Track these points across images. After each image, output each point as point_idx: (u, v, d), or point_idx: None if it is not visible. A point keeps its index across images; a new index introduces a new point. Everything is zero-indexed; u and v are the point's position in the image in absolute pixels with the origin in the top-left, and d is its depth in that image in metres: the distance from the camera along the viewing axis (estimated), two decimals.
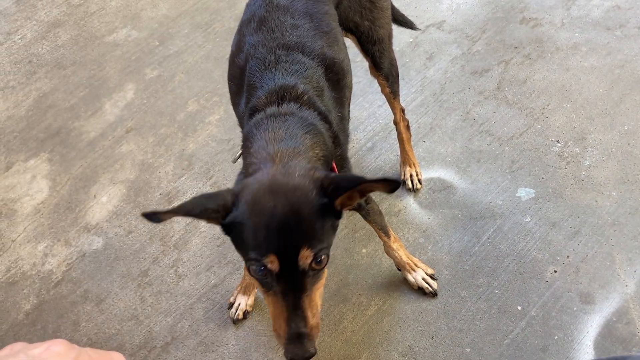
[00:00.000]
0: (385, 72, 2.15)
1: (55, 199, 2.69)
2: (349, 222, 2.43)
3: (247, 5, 1.84)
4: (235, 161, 1.73)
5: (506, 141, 2.59)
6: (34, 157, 2.87)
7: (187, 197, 2.62)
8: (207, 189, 2.63)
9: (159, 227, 2.53)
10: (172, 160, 2.76)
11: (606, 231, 2.29)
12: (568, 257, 2.25)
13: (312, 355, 1.23)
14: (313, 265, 1.23)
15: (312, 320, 1.25)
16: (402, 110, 2.39)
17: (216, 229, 2.49)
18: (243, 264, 2.20)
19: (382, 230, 2.11)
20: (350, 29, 1.99)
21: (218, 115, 2.90)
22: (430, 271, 2.22)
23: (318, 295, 1.29)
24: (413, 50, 2.99)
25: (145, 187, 2.68)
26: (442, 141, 2.63)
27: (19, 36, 3.48)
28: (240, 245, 1.27)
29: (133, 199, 2.65)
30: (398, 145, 2.53)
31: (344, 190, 1.21)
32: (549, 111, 2.66)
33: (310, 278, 1.25)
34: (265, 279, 1.24)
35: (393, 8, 2.37)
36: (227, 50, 3.15)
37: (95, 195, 2.68)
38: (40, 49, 3.38)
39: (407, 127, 2.43)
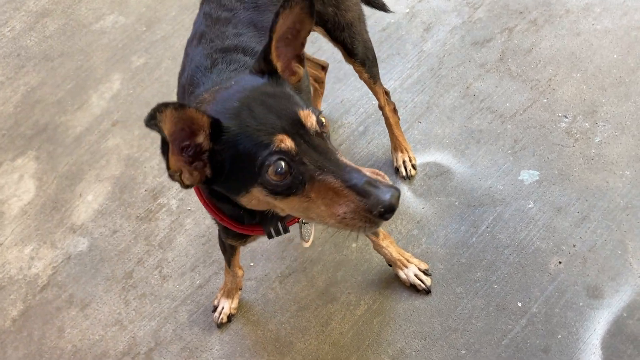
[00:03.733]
0: (361, 57, 1.97)
1: (41, 199, 2.62)
2: None
3: (193, 24, 1.70)
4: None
5: (509, 118, 2.38)
6: (22, 155, 2.80)
7: (173, 192, 2.51)
8: None
9: (143, 226, 2.44)
10: (157, 153, 2.64)
11: (618, 216, 2.08)
12: (574, 246, 2.05)
13: (399, 191, 1.10)
14: (319, 128, 1.16)
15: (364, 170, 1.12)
16: (387, 93, 2.20)
17: (201, 227, 2.38)
18: (224, 265, 2.09)
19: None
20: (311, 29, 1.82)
21: None
22: (423, 266, 2.07)
23: None
24: (409, 22, 2.78)
25: (130, 183, 2.58)
26: (440, 121, 2.44)
27: (8, 28, 3.39)
28: (242, 164, 1.13)
29: (118, 197, 2.55)
30: None
31: (266, 49, 1.21)
32: (556, 83, 2.42)
33: (328, 141, 1.17)
34: (288, 179, 1.10)
35: None
36: None
37: (81, 194, 2.60)
38: (28, 41, 3.28)
39: (394, 111, 2.25)
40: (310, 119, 1.14)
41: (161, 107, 0.98)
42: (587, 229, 2.07)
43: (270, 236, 1.46)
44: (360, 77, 2.07)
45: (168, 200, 2.50)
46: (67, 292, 2.35)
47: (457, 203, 2.23)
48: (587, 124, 2.29)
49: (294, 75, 1.30)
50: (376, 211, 1.05)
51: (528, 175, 2.23)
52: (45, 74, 3.10)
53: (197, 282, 2.27)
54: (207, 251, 2.33)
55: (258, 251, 2.27)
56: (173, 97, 2.80)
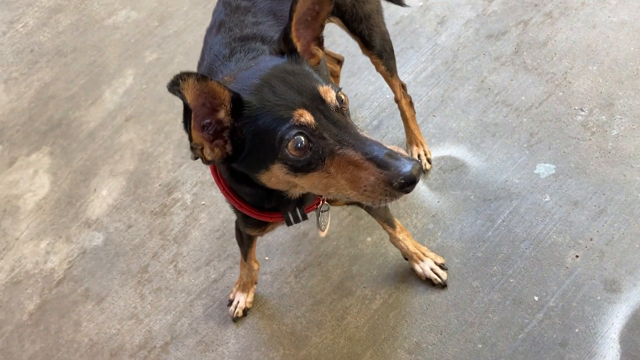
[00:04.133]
0: (378, 49, 1.95)
1: (56, 194, 2.64)
2: (353, 209, 2.28)
3: (212, 14, 1.70)
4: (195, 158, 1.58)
5: (524, 112, 2.36)
6: (36, 151, 2.81)
7: (187, 187, 2.52)
8: (207, 177, 2.52)
9: (158, 220, 2.44)
10: (171, 148, 2.65)
11: (636, 209, 2.06)
12: (591, 239, 2.04)
13: (420, 164, 1.11)
14: (339, 104, 1.16)
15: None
16: (403, 86, 2.20)
17: (215, 221, 2.39)
18: (239, 259, 2.10)
19: (386, 222, 1.96)
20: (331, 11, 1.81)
21: None
22: (439, 260, 2.06)
23: None
24: (423, 15, 2.76)
25: (144, 178, 2.59)
26: (454, 115, 2.43)
27: (22, 24, 3.40)
28: (262, 140, 1.13)
29: (133, 191, 2.56)
30: None
31: (286, 28, 1.22)
32: (572, 76, 2.40)
33: (348, 117, 1.17)
34: (306, 148, 1.10)
35: None
36: None
37: (95, 189, 2.61)
38: (41, 37, 3.29)
39: (410, 104, 2.24)
40: (329, 94, 1.14)
41: (184, 75, 1.01)
42: (604, 223, 2.06)
43: (289, 223, 1.45)
44: (377, 69, 2.06)
45: (182, 195, 2.50)
46: (83, 286, 2.36)
47: (472, 197, 2.22)
48: (603, 117, 2.27)
49: (312, 58, 1.30)
50: (396, 182, 1.05)
51: (544, 169, 2.21)
52: (58, 70, 3.11)
53: (212, 276, 2.27)
54: (222, 245, 2.33)
55: (273, 245, 2.28)
56: None
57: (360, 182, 1.08)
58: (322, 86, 1.15)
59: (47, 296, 2.37)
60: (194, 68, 2.91)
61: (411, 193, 2.23)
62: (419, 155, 2.29)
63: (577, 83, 2.38)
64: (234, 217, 2.38)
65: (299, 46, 1.25)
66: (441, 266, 2.05)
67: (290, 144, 1.09)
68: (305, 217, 1.46)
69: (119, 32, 3.19)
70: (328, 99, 1.14)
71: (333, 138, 1.10)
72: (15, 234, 2.56)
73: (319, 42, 1.30)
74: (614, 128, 2.24)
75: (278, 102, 1.12)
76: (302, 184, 1.17)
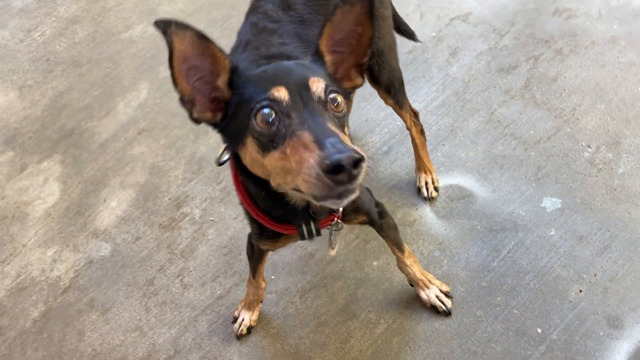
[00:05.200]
0: (385, 84, 2.00)
1: (65, 203, 2.66)
2: (360, 232, 2.31)
3: (237, 34, 1.75)
4: (219, 163, 1.62)
5: (532, 145, 2.40)
6: (47, 158, 2.84)
7: (196, 202, 2.54)
8: (217, 194, 2.55)
9: (166, 234, 2.47)
10: (182, 163, 2.68)
11: (639, 247, 2.10)
12: (595, 275, 2.07)
13: (359, 156, 0.99)
14: (330, 104, 1.15)
15: (351, 144, 1.04)
16: (415, 114, 2.24)
17: (223, 238, 2.41)
18: (247, 277, 2.12)
19: (396, 245, 1.99)
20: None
21: None
22: (445, 288, 2.09)
23: (348, 140, 1.10)
24: (435, 45, 2.82)
25: (154, 191, 2.61)
26: (463, 145, 2.47)
27: (39, 33, 3.45)
28: (242, 110, 1.17)
29: (142, 204, 2.58)
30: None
31: (319, 34, 1.23)
32: (581, 112, 2.46)
33: (331, 117, 1.13)
34: (271, 123, 1.11)
35: (395, 15, 2.21)
36: None
37: (105, 200, 2.63)
38: (57, 46, 3.34)
39: (421, 132, 2.28)
40: (317, 85, 1.15)
41: (182, 25, 1.10)
42: (608, 259, 2.09)
43: (302, 236, 1.46)
44: (386, 102, 2.11)
45: (191, 210, 2.53)
46: (88, 296, 2.37)
47: (479, 227, 2.25)
48: (610, 155, 2.32)
49: (350, 82, 1.30)
50: (323, 165, 0.98)
51: (550, 203, 2.25)
52: (73, 80, 3.15)
53: (218, 292, 2.29)
54: (229, 262, 2.36)
55: (279, 264, 2.30)
56: None
57: (303, 165, 1.04)
58: (314, 77, 1.16)
59: (51, 304, 2.38)
60: None
61: (419, 220, 2.27)
62: (426, 183, 2.32)
63: (585, 120, 2.43)
64: (241, 234, 2.41)
65: (328, 59, 1.26)
66: (446, 294, 2.08)
67: (259, 115, 1.13)
68: (319, 233, 1.47)
69: (134, 46, 3.24)
70: (313, 88, 1.14)
71: (299, 119, 1.10)
72: (23, 240, 2.58)
73: (361, 69, 1.29)
74: (620, 166, 2.28)
75: (265, 78, 1.17)
76: (268, 166, 1.16)
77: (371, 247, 2.27)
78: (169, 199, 2.58)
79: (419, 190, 2.34)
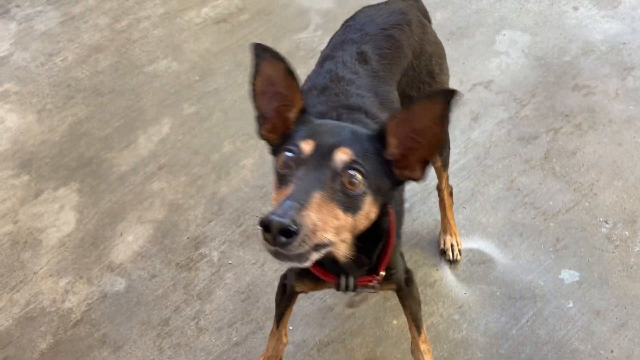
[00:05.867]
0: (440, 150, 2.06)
1: (81, 233, 2.63)
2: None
3: (307, 78, 1.80)
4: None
5: (551, 216, 2.47)
6: (64, 186, 2.82)
7: (215, 244, 2.54)
8: (236, 237, 2.55)
9: (183, 274, 2.45)
10: (202, 202, 2.69)
11: None
12: (612, 351, 2.11)
13: (289, 227, 1.02)
14: (344, 178, 1.16)
15: (311, 217, 1.06)
16: (447, 176, 2.30)
17: (241, 283, 2.41)
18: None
19: (415, 322, 1.98)
20: (403, 105, 1.90)
21: (253, 160, 2.83)
22: None
23: (338, 215, 1.13)
24: (458, 109, 2.89)
25: (172, 229, 2.61)
26: (484, 209, 2.53)
27: (61, 58, 3.46)
28: (284, 145, 1.26)
29: (160, 241, 2.57)
30: (437, 208, 2.43)
31: (386, 127, 1.24)
32: (599, 188, 2.54)
33: (338, 190, 1.15)
34: (287, 166, 1.19)
35: None
36: None
37: (121, 233, 2.62)
38: (79, 74, 3.35)
39: (451, 194, 2.34)
40: (340, 155, 1.17)
41: (278, 56, 1.26)
42: (625, 337, 2.14)
43: (338, 287, 1.51)
44: (434, 165, 2.15)
45: (210, 251, 2.52)
46: (100, 331, 2.33)
47: (498, 293, 2.29)
48: (627, 233, 2.39)
49: (409, 171, 1.27)
50: (259, 219, 1.05)
51: (569, 275, 2.30)
52: (94, 108, 3.16)
53: (234, 339, 2.27)
54: (246, 309, 2.35)
55: (298, 315, 2.30)
56: (224, 148, 2.88)
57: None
58: (345, 148, 1.18)
59: (61, 336, 2.33)
60: (231, 126, 2.98)
61: (439, 281, 2.30)
62: (451, 245, 2.36)
63: (602, 196, 2.51)
64: (260, 281, 2.41)
65: (393, 142, 1.25)
66: None
67: (283, 154, 1.21)
68: (355, 289, 1.52)
69: (158, 81, 3.26)
70: (335, 156, 1.17)
71: (300, 174, 1.15)
72: (35, 268, 2.54)
73: (425, 164, 1.26)
74: (636, 244, 2.36)
75: (313, 128, 1.25)
76: None
77: (391, 305, 2.29)
78: (187, 238, 2.58)
79: (443, 252, 2.38)
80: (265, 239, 1.04)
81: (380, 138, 1.24)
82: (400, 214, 1.67)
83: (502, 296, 2.28)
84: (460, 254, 2.37)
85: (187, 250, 2.54)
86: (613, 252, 2.35)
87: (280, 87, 1.28)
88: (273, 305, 2.30)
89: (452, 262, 2.36)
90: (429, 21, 2.17)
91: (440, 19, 3.38)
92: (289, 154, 1.20)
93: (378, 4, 2.03)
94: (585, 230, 2.42)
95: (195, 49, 3.41)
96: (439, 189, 2.31)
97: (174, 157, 2.88)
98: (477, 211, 2.53)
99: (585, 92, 2.89)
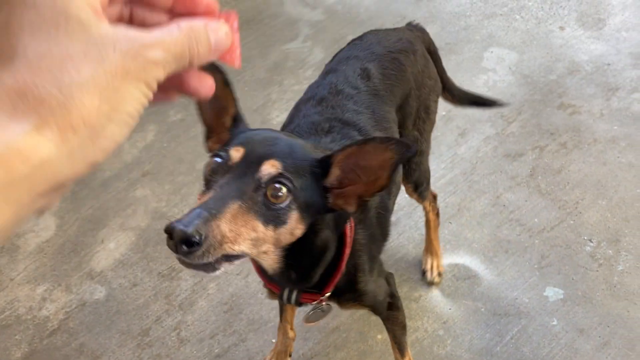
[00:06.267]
0: (415, 183, 2.05)
1: (61, 239, 2.58)
2: None
3: (309, 88, 1.79)
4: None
5: (536, 233, 2.48)
6: None
7: (198, 254, 2.50)
8: None
9: (164, 283, 2.41)
10: (186, 211, 2.64)
11: (637, 346, 2.16)
12: None
13: (192, 236, 0.97)
14: (267, 190, 1.10)
15: (220, 228, 1.02)
16: (434, 197, 2.30)
17: (224, 294, 2.37)
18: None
19: (398, 345, 1.96)
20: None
21: None
22: None
23: (255, 227, 1.08)
24: (445, 124, 2.91)
25: (155, 237, 2.57)
26: (470, 225, 2.53)
27: None
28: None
29: (142, 249, 2.53)
30: (423, 222, 2.42)
31: (333, 158, 1.18)
32: (583, 206, 2.55)
33: (260, 202, 1.09)
34: (214, 172, 1.13)
35: (466, 92, 2.33)
36: (255, 100, 3.08)
37: (103, 240, 2.57)
38: None
39: (437, 215, 2.33)
40: (267, 167, 1.12)
41: (217, 68, 1.13)
42: (608, 355, 2.14)
43: (281, 298, 1.46)
44: (410, 196, 2.15)
45: None
46: (77, 341, 2.28)
47: (483, 309, 2.28)
48: (610, 251, 2.41)
49: (343, 203, 1.21)
50: (165, 225, 1.01)
51: (553, 293, 2.31)
52: None
53: (216, 350, 2.23)
54: (229, 320, 2.31)
55: None
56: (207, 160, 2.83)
57: None
58: (275, 161, 1.13)
59: (37, 345, 2.27)
60: None
61: (424, 296, 2.29)
62: (431, 266, 2.34)
63: (587, 214, 2.53)
64: (243, 292, 2.38)
65: (336, 172, 1.20)
66: None
67: (212, 159, 1.16)
68: (299, 304, 1.48)
69: None
70: (262, 167, 1.12)
71: (222, 181, 1.10)
72: (11, 274, 2.48)
73: (361, 202, 1.21)
74: (619, 263, 2.37)
75: (247, 136, 1.19)
76: None
77: (375, 320, 2.25)
78: None
79: (423, 272, 2.36)
80: (168, 246, 1.00)
81: (323, 165, 1.19)
82: (374, 237, 1.60)
83: (487, 312, 2.27)
84: (439, 276, 2.34)
85: (169, 260, 2.49)
86: (597, 271, 2.36)
87: (219, 97, 1.23)
88: (256, 317, 2.28)
89: (431, 284, 2.34)
90: (436, 49, 2.16)
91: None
92: (217, 160, 1.14)
93: (386, 29, 2.03)
94: (569, 248, 2.43)
95: None
96: (424, 209, 2.30)
97: (158, 165, 2.85)
98: (463, 226, 2.52)
99: (571, 111, 2.92)
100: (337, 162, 1.18)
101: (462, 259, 2.42)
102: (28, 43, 0.45)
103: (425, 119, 1.94)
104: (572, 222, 2.51)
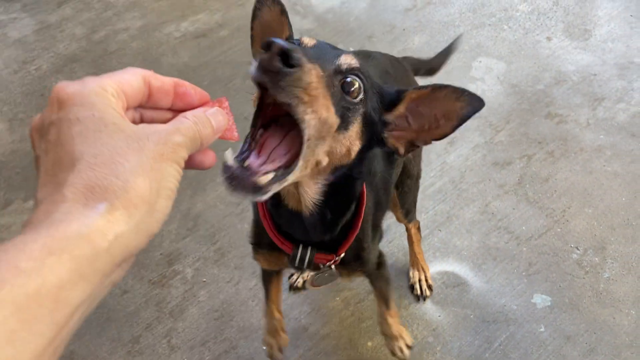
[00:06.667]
0: (405, 208, 2.10)
1: None
2: (356, 309, 2.32)
3: None
4: None
5: (524, 241, 2.51)
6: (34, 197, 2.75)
7: (189, 261, 2.51)
8: (211, 254, 2.52)
9: (155, 290, 2.41)
10: (177, 218, 2.65)
11: (623, 352, 2.19)
12: None
13: (290, 52, 0.87)
14: (345, 68, 1.05)
15: (310, 72, 0.92)
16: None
17: (215, 301, 2.38)
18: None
19: (383, 299, 1.94)
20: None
21: None
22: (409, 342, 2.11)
23: (326, 107, 0.98)
24: None
25: (146, 245, 2.56)
26: (459, 233, 2.55)
27: (35, 67, 3.41)
28: None
29: None
30: None
31: (405, 94, 1.15)
32: (570, 215, 2.59)
33: (337, 86, 1.02)
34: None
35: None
36: (245, 107, 3.09)
37: None
38: (54, 83, 3.28)
39: (418, 229, 2.33)
40: (346, 58, 1.06)
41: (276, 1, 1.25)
42: None
43: (293, 261, 1.39)
44: (398, 220, 2.18)
45: (183, 268, 2.49)
46: (68, 348, 2.26)
47: (472, 316, 2.30)
48: (596, 259, 2.44)
49: (394, 140, 1.18)
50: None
51: (541, 300, 2.33)
52: None
53: (207, 358, 2.23)
54: (219, 327, 2.31)
55: None
56: None
57: None
58: (353, 57, 1.08)
59: None
60: None
61: (414, 303, 2.31)
62: (419, 280, 2.35)
63: (573, 222, 2.56)
64: (234, 300, 2.39)
65: (401, 109, 1.17)
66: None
67: (286, 40, 1.05)
68: (310, 265, 1.40)
69: None
70: (342, 57, 1.06)
71: (307, 55, 0.95)
72: None
73: (413, 147, 1.18)
74: (605, 271, 2.41)
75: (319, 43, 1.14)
76: None
77: (366, 327, 2.29)
78: (161, 254, 2.54)
79: (411, 287, 2.37)
80: (262, 61, 0.89)
81: (393, 97, 1.16)
82: (380, 204, 1.60)
83: (476, 319, 2.30)
84: (430, 289, 2.35)
85: (160, 267, 2.50)
86: (583, 278, 2.39)
87: (274, 26, 1.27)
88: (247, 324, 2.29)
89: (422, 298, 2.34)
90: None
91: (418, 44, 3.44)
92: (296, 41, 1.08)
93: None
94: (557, 256, 2.46)
95: (174, 63, 3.39)
96: (405, 225, 2.29)
97: None
98: (452, 234, 2.55)
99: (558, 121, 2.97)
100: (406, 100, 1.15)
101: (452, 266, 2.45)
102: (83, 149, 0.57)
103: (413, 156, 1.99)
104: (559, 230, 2.54)
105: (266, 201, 1.35)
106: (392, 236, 2.55)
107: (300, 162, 1.00)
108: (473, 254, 2.48)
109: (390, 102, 1.16)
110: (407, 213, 2.14)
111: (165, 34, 3.58)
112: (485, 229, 2.56)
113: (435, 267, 2.44)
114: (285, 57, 0.88)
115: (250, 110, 3.28)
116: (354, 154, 1.11)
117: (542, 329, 2.26)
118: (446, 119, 1.13)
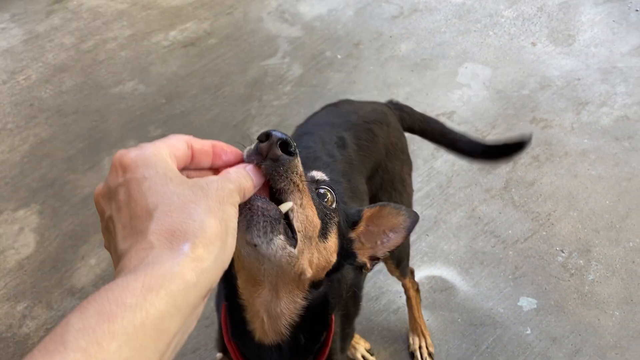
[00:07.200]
0: (397, 260, 2.02)
1: (41, 256, 2.58)
2: None
3: (298, 127, 1.83)
4: None
5: (510, 245, 2.55)
6: (24, 207, 2.76)
7: None
8: None
9: None
10: None
11: (607, 353, 2.23)
12: None
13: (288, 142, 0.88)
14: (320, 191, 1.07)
15: (299, 164, 0.92)
16: (412, 272, 2.21)
17: (205, 308, 2.39)
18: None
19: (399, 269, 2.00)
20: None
21: None
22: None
23: (310, 206, 0.97)
24: (421, 138, 2.97)
25: None
26: (446, 237, 2.59)
27: (23, 77, 3.42)
28: None
29: None
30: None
31: (363, 213, 1.19)
32: (555, 218, 2.63)
33: (314, 191, 1.04)
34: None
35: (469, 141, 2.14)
36: (235, 116, 3.12)
37: (83, 257, 2.58)
38: (43, 93, 3.31)
39: (417, 291, 2.24)
40: (317, 172, 1.12)
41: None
42: None
43: None
44: (391, 273, 2.12)
45: None
46: None
47: (459, 320, 2.34)
48: (581, 262, 2.48)
49: (362, 257, 1.20)
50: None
51: (527, 302, 2.37)
52: (57, 129, 3.12)
53: None
54: (210, 335, 2.33)
55: None
56: None
57: None
58: (322, 172, 1.12)
59: None
60: None
61: (403, 308, 2.33)
62: (420, 347, 2.26)
63: (559, 225, 2.60)
64: None
65: (362, 228, 1.21)
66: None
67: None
68: None
69: (124, 102, 3.25)
70: (313, 172, 1.11)
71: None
72: None
73: (374, 260, 1.21)
74: (590, 273, 2.45)
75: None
76: None
77: None
78: None
79: (411, 355, 2.27)
80: (257, 149, 0.87)
81: (354, 218, 1.20)
82: (349, 316, 1.60)
83: (463, 323, 2.33)
84: (431, 357, 2.26)
85: None
86: (569, 281, 2.43)
87: None
88: None
89: None
90: (428, 119, 2.18)
91: (405, 51, 3.48)
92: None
93: (360, 101, 2.04)
94: (542, 259, 2.50)
95: (163, 72, 3.41)
96: (404, 286, 2.22)
97: None
98: (439, 239, 2.58)
99: (543, 125, 3.01)
100: (364, 218, 1.20)
101: (439, 270, 2.48)
102: (156, 200, 0.65)
103: (402, 191, 1.94)
104: (544, 233, 2.58)
105: (230, 330, 1.30)
106: (392, 298, 2.57)
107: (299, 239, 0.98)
108: (460, 258, 2.51)
109: (353, 222, 1.20)
110: (399, 263, 2.04)
111: (153, 43, 3.60)
112: (472, 234, 2.59)
113: (422, 272, 2.47)
114: (284, 146, 0.90)
115: (238, 118, 3.31)
116: (332, 261, 1.10)
117: (529, 332, 2.29)
118: (394, 232, 1.20)
